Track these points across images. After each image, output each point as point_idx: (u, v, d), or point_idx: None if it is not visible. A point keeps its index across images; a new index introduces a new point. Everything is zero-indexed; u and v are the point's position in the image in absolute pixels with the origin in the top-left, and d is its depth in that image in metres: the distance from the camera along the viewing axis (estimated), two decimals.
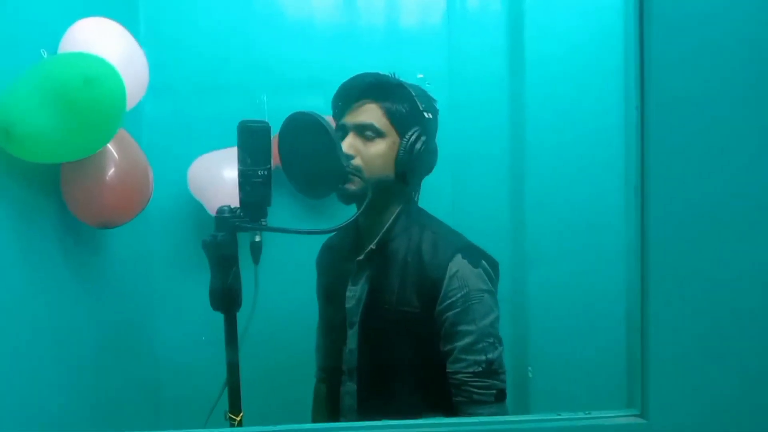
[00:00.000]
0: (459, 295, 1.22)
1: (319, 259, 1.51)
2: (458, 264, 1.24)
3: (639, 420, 0.70)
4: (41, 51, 1.29)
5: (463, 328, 1.22)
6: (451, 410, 1.31)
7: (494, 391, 1.20)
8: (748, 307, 0.68)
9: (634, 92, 1.83)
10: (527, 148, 1.92)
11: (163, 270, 1.90)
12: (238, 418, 1.11)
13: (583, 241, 1.91)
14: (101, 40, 1.33)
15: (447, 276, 1.23)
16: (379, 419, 1.23)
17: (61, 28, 1.34)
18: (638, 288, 0.69)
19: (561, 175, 1.91)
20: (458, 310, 1.22)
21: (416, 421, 0.73)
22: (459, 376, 1.20)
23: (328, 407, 1.40)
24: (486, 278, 1.26)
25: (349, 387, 1.33)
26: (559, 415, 0.71)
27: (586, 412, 0.71)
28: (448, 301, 1.23)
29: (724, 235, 0.67)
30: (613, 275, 1.91)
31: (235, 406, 1.11)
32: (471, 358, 1.20)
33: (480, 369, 1.19)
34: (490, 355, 1.20)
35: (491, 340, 1.22)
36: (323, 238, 1.51)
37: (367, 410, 1.30)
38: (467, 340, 1.21)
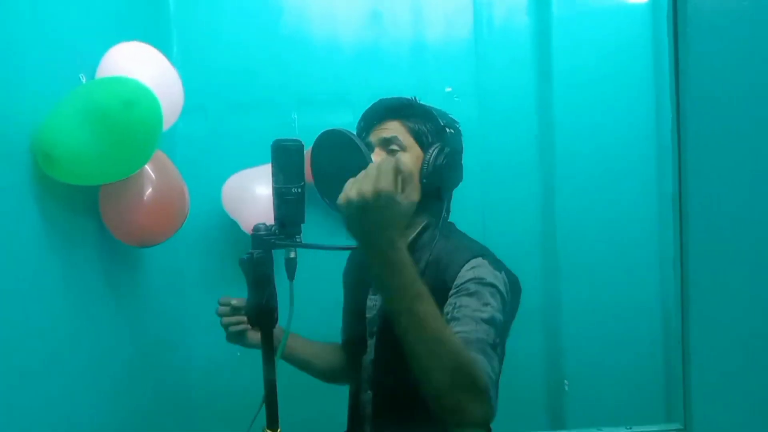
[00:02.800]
0: (472, 280, 1.17)
1: (345, 273, 1.53)
2: (478, 262, 1.21)
3: None
4: (80, 76, 1.33)
5: (468, 301, 1.14)
6: None
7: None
8: None
9: (669, 100, 1.81)
10: (557, 160, 1.91)
11: (197, 287, 1.93)
12: None
13: (615, 252, 1.89)
14: (137, 64, 1.37)
15: (463, 270, 1.20)
16: (395, 429, 1.24)
17: (99, 53, 1.38)
18: (678, 300, 0.68)
19: (591, 186, 1.90)
20: (468, 291, 1.17)
21: None
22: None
23: (351, 415, 1.41)
24: (504, 283, 1.21)
25: (368, 396, 1.34)
26: (601, 429, 0.71)
27: (628, 427, 0.71)
28: (461, 286, 1.18)
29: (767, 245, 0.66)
30: (646, 285, 1.89)
31: (272, 422, 1.12)
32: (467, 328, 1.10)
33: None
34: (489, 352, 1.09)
35: (495, 340, 1.11)
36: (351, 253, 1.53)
37: (383, 419, 1.30)
38: (471, 311, 1.13)
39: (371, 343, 1.34)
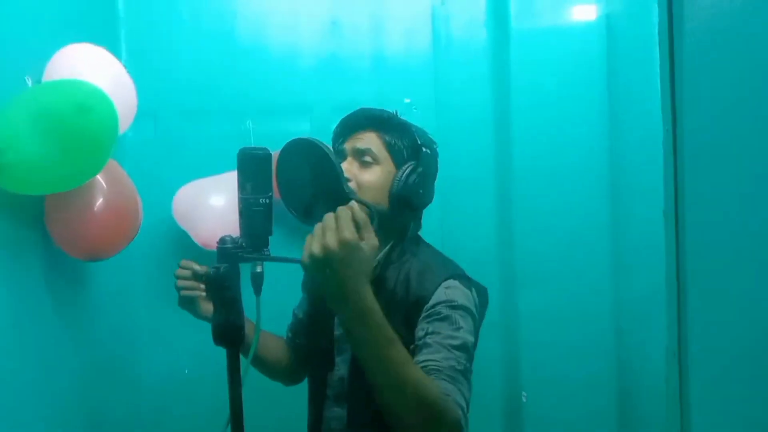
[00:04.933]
0: (444, 303, 1.17)
1: (306, 284, 1.49)
2: (449, 284, 1.21)
3: None
4: (26, 78, 1.25)
5: (441, 327, 1.15)
6: None
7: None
8: None
9: (621, 115, 1.85)
10: (514, 172, 1.93)
11: (147, 301, 1.84)
12: None
13: (570, 263, 1.91)
14: (89, 67, 1.30)
15: (436, 293, 1.20)
16: None
17: (45, 54, 1.30)
18: (675, 312, 0.67)
19: (547, 198, 1.92)
20: (440, 316, 1.16)
21: None
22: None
23: (313, 425, 1.36)
24: (474, 303, 1.23)
25: (337, 413, 1.30)
26: None
27: None
28: (432, 310, 1.18)
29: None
30: (601, 295, 1.92)
31: None
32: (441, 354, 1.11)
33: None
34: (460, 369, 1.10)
35: (466, 366, 1.13)
36: None
37: None
38: (443, 338, 1.13)
39: (340, 360, 1.30)
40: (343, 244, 0.94)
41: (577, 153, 1.91)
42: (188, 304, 1.31)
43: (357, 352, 1.01)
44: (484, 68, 1.94)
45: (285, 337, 1.51)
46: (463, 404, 1.06)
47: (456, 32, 1.94)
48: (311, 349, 1.42)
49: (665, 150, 0.69)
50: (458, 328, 1.15)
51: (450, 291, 1.20)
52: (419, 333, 1.16)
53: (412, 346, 1.15)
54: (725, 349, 0.68)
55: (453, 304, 1.18)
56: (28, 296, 1.26)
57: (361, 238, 0.96)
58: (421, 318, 1.18)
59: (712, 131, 0.66)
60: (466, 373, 1.11)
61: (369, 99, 1.87)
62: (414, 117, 1.89)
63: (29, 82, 1.25)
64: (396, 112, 1.34)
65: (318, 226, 0.98)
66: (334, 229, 0.96)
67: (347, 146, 1.30)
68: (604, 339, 1.91)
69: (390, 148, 1.28)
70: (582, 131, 1.90)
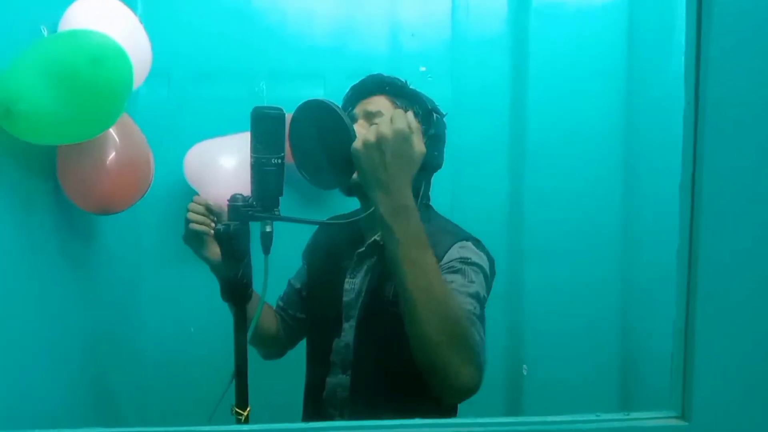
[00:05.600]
0: (458, 259, 1.19)
1: (309, 252, 1.48)
2: (462, 245, 1.23)
3: (680, 422, 0.68)
4: (41, 27, 1.24)
5: (455, 278, 1.16)
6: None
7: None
8: None
9: (639, 88, 1.83)
10: (527, 144, 1.91)
11: (155, 259, 1.86)
12: (245, 413, 1.08)
13: (579, 239, 1.91)
14: (103, 18, 1.28)
15: (449, 252, 1.21)
16: (374, 413, 1.21)
17: (62, 4, 1.29)
18: (684, 286, 0.67)
19: (560, 172, 1.91)
20: (454, 269, 1.17)
21: (430, 421, 0.71)
22: None
23: (314, 399, 1.36)
24: (487, 264, 1.24)
25: (342, 379, 1.30)
26: (598, 416, 0.70)
27: (625, 413, 0.70)
28: (445, 265, 1.19)
29: None
30: (609, 272, 1.92)
31: (242, 400, 1.08)
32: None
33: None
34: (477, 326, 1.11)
35: (482, 313, 1.14)
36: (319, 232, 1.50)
37: (362, 402, 1.27)
38: (458, 285, 1.14)
39: (347, 326, 1.30)
40: (397, 133, 1.00)
41: (593, 129, 1.89)
42: (194, 239, 1.30)
43: (393, 253, 1.01)
44: (503, 37, 1.92)
45: (275, 307, 1.50)
46: (482, 344, 1.07)
47: (475, 0, 1.91)
48: (315, 317, 1.42)
49: (685, 122, 0.68)
50: (471, 281, 1.16)
51: (463, 250, 1.22)
52: None
53: None
54: (733, 329, 0.67)
55: (466, 260, 1.20)
56: (39, 246, 1.27)
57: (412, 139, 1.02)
58: None
59: (737, 105, 0.65)
60: (482, 318, 1.13)
61: (385, 65, 1.86)
62: (429, 85, 1.87)
63: (45, 32, 1.24)
64: (406, 82, 1.34)
65: (374, 125, 1.05)
66: (389, 122, 1.02)
67: (358, 110, 1.31)
68: (610, 315, 1.91)
69: None
70: (599, 108, 1.89)
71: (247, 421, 1.08)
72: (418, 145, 1.04)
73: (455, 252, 1.21)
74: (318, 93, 1.85)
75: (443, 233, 1.26)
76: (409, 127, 1.02)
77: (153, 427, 0.70)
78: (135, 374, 1.82)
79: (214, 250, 1.23)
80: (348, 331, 1.30)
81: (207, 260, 1.30)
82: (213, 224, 1.29)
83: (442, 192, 1.83)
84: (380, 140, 1.00)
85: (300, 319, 1.48)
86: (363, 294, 1.29)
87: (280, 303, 1.50)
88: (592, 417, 0.70)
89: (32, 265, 1.23)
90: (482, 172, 1.92)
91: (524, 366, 1.91)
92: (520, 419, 0.71)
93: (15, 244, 1.16)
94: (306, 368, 1.42)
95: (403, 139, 1.01)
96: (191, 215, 1.29)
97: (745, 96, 0.65)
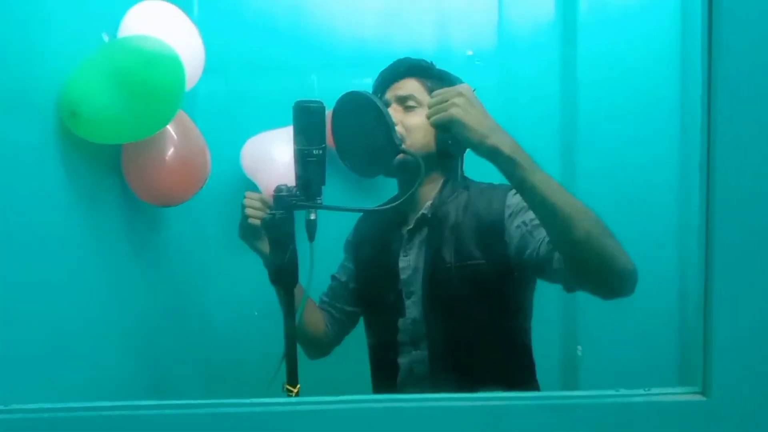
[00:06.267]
0: (520, 201, 1.22)
1: (353, 244, 1.51)
2: (515, 191, 1.23)
3: (700, 397, 0.69)
4: (103, 34, 1.34)
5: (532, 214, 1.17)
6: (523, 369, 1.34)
7: None
8: None
9: (694, 83, 1.77)
10: (578, 131, 1.88)
11: (217, 247, 1.95)
12: (296, 390, 1.14)
13: (634, 216, 1.87)
14: (159, 22, 1.37)
15: (506, 203, 1.25)
16: (456, 379, 1.26)
17: (120, 11, 1.38)
18: (702, 261, 0.68)
19: (612, 158, 1.87)
20: (526, 208, 1.20)
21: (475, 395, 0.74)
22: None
23: (384, 384, 1.40)
24: None
25: (416, 355, 1.33)
26: (618, 391, 0.72)
27: (646, 389, 0.72)
28: (514, 209, 1.23)
29: None
30: (664, 251, 1.87)
31: (292, 378, 1.15)
32: None
33: None
34: None
35: None
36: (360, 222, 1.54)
37: (443, 372, 1.30)
38: None
39: (410, 302, 1.32)
40: (467, 88, 1.12)
41: (646, 115, 1.84)
42: (249, 233, 1.36)
43: (525, 177, 1.04)
44: (551, 21, 1.89)
45: (319, 303, 1.53)
46: None
47: None
48: (374, 301, 1.44)
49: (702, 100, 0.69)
50: None
51: (518, 196, 1.23)
52: (517, 230, 1.21)
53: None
54: (752, 305, 0.68)
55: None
56: (108, 240, 1.37)
57: None
58: (508, 220, 1.23)
59: (750, 87, 0.66)
60: None
61: (432, 51, 1.88)
62: (476, 70, 1.89)
63: (106, 39, 1.34)
64: (432, 64, 1.38)
65: (437, 92, 1.13)
66: (452, 89, 1.12)
67: (389, 95, 1.35)
68: (666, 296, 1.87)
69: (431, 91, 1.29)
70: (652, 94, 1.83)
71: (297, 396, 1.14)
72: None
73: (513, 199, 1.24)
74: (367, 82, 1.88)
75: (489, 192, 1.31)
76: None
77: (207, 400, 0.76)
78: (199, 355, 1.93)
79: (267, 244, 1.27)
80: (412, 308, 1.32)
81: (261, 253, 1.37)
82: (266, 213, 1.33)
83: (490, 179, 1.85)
84: (467, 96, 1.09)
85: (349, 312, 1.50)
86: (421, 268, 1.32)
87: (325, 299, 1.52)
88: (612, 392, 0.72)
89: (103, 255, 1.33)
90: (532, 157, 1.91)
91: (579, 347, 1.91)
92: (544, 394, 0.74)
93: (86, 236, 1.27)
94: (370, 361, 1.45)
95: (473, 92, 1.11)
96: (248, 210, 1.35)
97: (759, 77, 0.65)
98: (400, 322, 1.34)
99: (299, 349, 1.17)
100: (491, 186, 1.33)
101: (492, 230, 1.25)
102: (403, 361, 1.34)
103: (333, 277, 1.53)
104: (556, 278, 1.16)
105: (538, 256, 1.15)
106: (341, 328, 1.52)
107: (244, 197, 1.37)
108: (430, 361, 1.31)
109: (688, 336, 1.88)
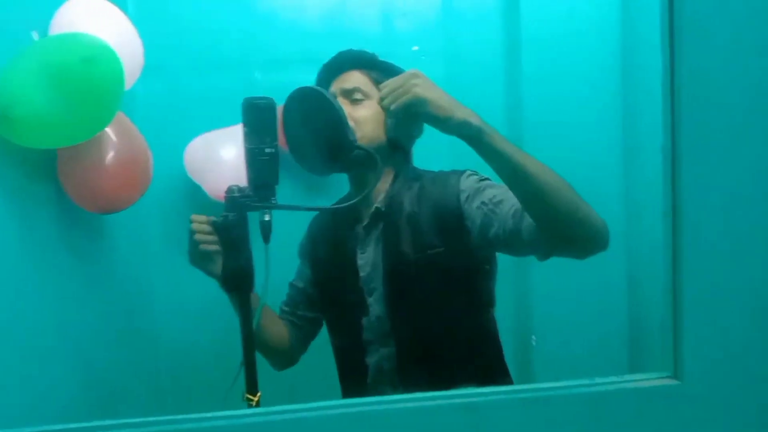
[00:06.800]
0: (475, 179, 1.24)
1: (308, 248, 1.46)
2: (467, 173, 1.27)
3: (673, 381, 0.70)
4: (32, 32, 1.26)
5: (499, 192, 1.19)
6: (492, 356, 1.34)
7: None
8: None
9: (635, 69, 1.81)
10: (524, 123, 1.90)
11: (161, 255, 1.88)
12: (256, 399, 1.11)
13: None
14: (93, 20, 1.30)
15: (462, 182, 1.25)
16: (427, 373, 1.24)
17: (51, 8, 1.30)
18: (670, 246, 0.68)
19: (557, 148, 1.85)
20: (482, 187, 1.22)
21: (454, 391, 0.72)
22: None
23: (355, 378, 1.36)
24: None
25: (384, 352, 1.30)
26: (593, 380, 0.71)
27: (619, 377, 0.71)
28: (470, 192, 1.23)
29: (762, 194, 0.67)
30: (613, 242, 1.91)
31: (252, 386, 1.11)
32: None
33: None
34: None
35: None
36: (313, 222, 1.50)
37: (412, 366, 1.28)
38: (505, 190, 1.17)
39: (372, 300, 1.30)
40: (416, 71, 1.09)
41: (590, 104, 1.87)
42: (204, 259, 1.22)
43: (497, 147, 1.06)
44: (496, 16, 1.90)
45: (280, 314, 1.48)
46: None
47: None
48: (335, 302, 1.40)
49: (663, 89, 0.69)
50: (500, 185, 1.18)
51: (472, 176, 1.26)
52: (478, 210, 1.21)
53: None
54: (720, 288, 0.69)
55: (481, 178, 1.25)
56: (45, 248, 1.30)
57: None
58: (466, 204, 1.23)
59: (712, 78, 0.66)
60: None
61: (378, 46, 1.84)
62: (422, 65, 1.87)
63: (35, 37, 1.26)
64: (375, 55, 1.36)
65: (390, 81, 1.12)
66: (402, 76, 1.10)
67: (334, 88, 1.31)
68: (616, 284, 1.92)
69: (377, 83, 1.29)
70: (595, 81, 1.87)
71: (258, 405, 1.11)
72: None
73: (467, 180, 1.25)
74: (313, 78, 1.85)
75: (442, 179, 1.30)
76: None
77: (166, 416, 0.72)
78: (146, 366, 1.86)
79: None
80: (375, 305, 1.30)
81: (216, 276, 1.22)
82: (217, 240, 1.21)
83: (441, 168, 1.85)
84: (423, 76, 1.09)
85: (311, 318, 1.46)
86: (381, 263, 1.29)
87: (285, 308, 1.47)
88: (587, 381, 0.71)
89: (40, 266, 1.26)
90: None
91: (533, 337, 1.93)
92: (517, 387, 0.73)
93: (20, 247, 1.19)
94: (337, 364, 1.42)
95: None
96: (199, 236, 1.21)
97: (721, 67, 0.66)
98: (364, 320, 1.31)
99: (262, 359, 1.13)
100: (443, 173, 1.32)
101: (449, 216, 1.24)
102: (371, 360, 1.32)
103: (290, 285, 1.48)
104: (528, 250, 1.17)
105: (505, 232, 1.16)
106: (305, 335, 1.47)
107: (191, 221, 1.23)
108: (398, 357, 1.29)
109: (636, 323, 1.93)
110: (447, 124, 1.06)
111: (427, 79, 1.08)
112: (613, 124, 1.89)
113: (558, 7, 1.85)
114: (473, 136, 1.06)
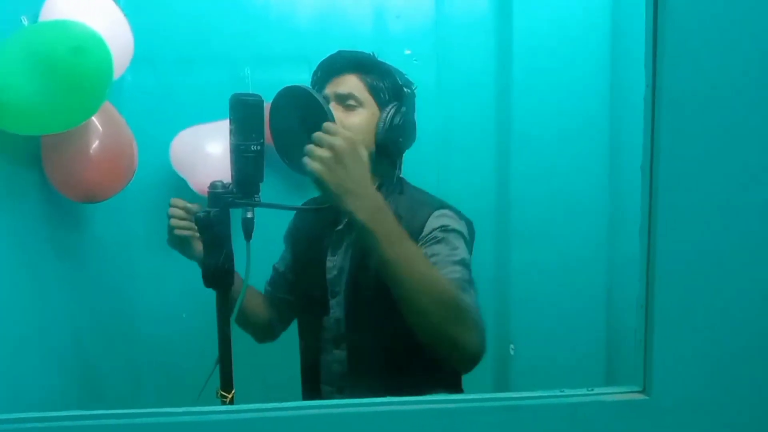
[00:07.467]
0: (439, 228, 1.21)
1: (291, 235, 1.50)
2: (440, 213, 1.25)
3: (641, 396, 0.71)
4: (21, 18, 1.25)
5: (439, 248, 1.18)
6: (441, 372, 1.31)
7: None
8: (758, 283, 0.69)
9: (624, 70, 1.83)
10: (513, 125, 1.91)
11: (143, 246, 1.87)
12: (230, 396, 1.10)
13: (566, 220, 1.92)
14: (84, 8, 1.29)
15: (428, 222, 1.23)
16: (373, 382, 1.24)
17: None
18: (644, 262, 0.69)
19: (546, 154, 1.91)
20: (437, 239, 1.19)
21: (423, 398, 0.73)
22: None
23: (311, 376, 1.39)
24: (466, 228, 1.26)
25: (337, 355, 1.32)
26: (562, 391, 0.72)
27: (589, 389, 0.72)
28: (427, 236, 1.21)
29: (735, 213, 0.68)
30: (594, 253, 1.93)
31: (227, 383, 1.10)
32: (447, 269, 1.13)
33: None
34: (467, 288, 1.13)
35: (471, 278, 1.15)
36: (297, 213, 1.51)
37: (359, 375, 1.30)
38: (443, 256, 1.16)
39: (335, 302, 1.32)
40: (347, 140, 1.01)
41: (578, 111, 1.89)
42: (180, 243, 1.31)
43: (378, 253, 1.02)
44: (487, 19, 1.91)
45: (264, 293, 1.52)
46: (478, 310, 1.09)
47: None
48: (302, 297, 1.44)
49: (645, 104, 0.70)
50: (455, 248, 1.18)
51: (441, 218, 1.23)
52: None
53: None
54: (692, 306, 0.70)
55: (446, 228, 1.21)
56: (26, 237, 1.29)
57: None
58: (419, 242, 1.20)
59: (693, 88, 0.67)
60: (471, 283, 1.15)
61: (370, 48, 1.85)
62: (414, 68, 1.88)
63: (25, 22, 1.25)
64: (373, 54, 1.35)
65: (315, 136, 1.03)
66: (332, 134, 1.02)
67: (329, 91, 1.31)
68: (595, 294, 1.93)
69: (372, 90, 1.29)
70: (584, 88, 1.88)
71: (232, 403, 1.10)
72: (367, 143, 1.07)
73: (434, 221, 1.22)
74: (303, 77, 1.84)
75: (419, 205, 1.28)
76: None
77: (141, 409, 0.72)
78: (127, 359, 1.85)
79: (200, 248, 1.23)
80: (336, 307, 1.32)
81: (196, 260, 1.32)
82: (194, 226, 1.25)
83: (428, 174, 1.86)
84: (336, 152, 1.00)
85: (289, 301, 1.49)
86: (347, 269, 1.30)
87: (268, 288, 1.52)
88: (557, 392, 0.72)
89: (19, 254, 1.25)
90: (468, 154, 1.93)
91: (511, 345, 1.94)
92: (487, 396, 0.73)
93: (1, 234, 1.18)
94: (300, 351, 1.44)
95: (355, 143, 1.01)
96: (173, 221, 1.29)
97: (702, 77, 0.67)
98: (325, 320, 1.33)
99: (238, 357, 1.13)
100: (421, 200, 1.31)
101: (414, 238, 1.21)
102: (324, 360, 1.34)
103: (274, 267, 1.52)
104: None
105: None
106: (284, 316, 1.51)
107: (170, 205, 1.30)
108: (348, 361, 1.31)
109: (615, 334, 1.94)
110: (338, 207, 1.04)
111: (339, 156, 1.00)
112: (601, 133, 1.91)
113: (549, 14, 1.86)
114: (357, 231, 1.05)
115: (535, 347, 1.93)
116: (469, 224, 1.31)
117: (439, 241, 1.19)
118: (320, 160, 1.00)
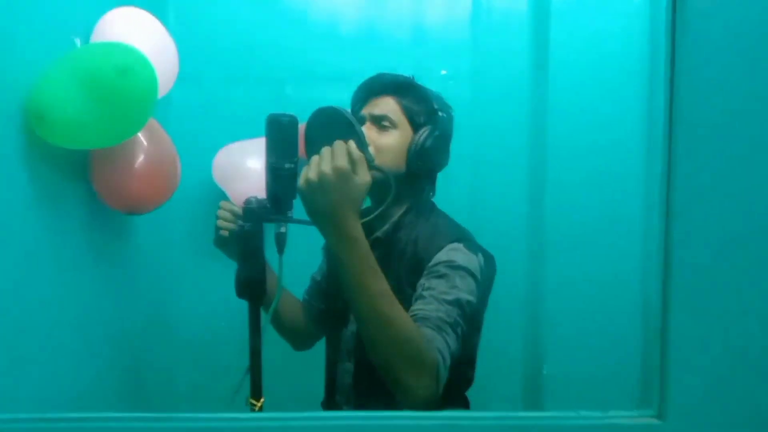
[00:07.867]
0: (444, 263, 1.21)
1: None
2: (453, 246, 1.24)
3: (656, 421, 0.71)
4: (75, 39, 1.32)
5: (437, 283, 1.18)
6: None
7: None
8: None
9: (662, 94, 1.82)
10: (548, 146, 1.92)
11: (185, 257, 1.94)
12: (259, 404, 1.14)
13: (600, 240, 1.91)
14: (133, 29, 1.36)
15: (439, 254, 1.23)
16: (373, 398, 1.26)
17: (94, 17, 1.36)
18: (659, 288, 0.70)
19: (580, 173, 1.91)
20: (438, 273, 1.20)
21: (432, 413, 0.75)
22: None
23: (329, 386, 1.44)
24: (478, 267, 1.24)
25: (348, 367, 1.36)
26: (578, 413, 0.73)
27: (603, 412, 0.73)
28: (432, 266, 1.22)
29: (753, 237, 0.68)
30: (629, 274, 1.91)
31: (256, 391, 1.14)
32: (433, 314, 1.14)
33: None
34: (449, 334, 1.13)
35: (457, 320, 1.15)
36: None
37: (363, 389, 1.33)
38: (437, 292, 1.17)
39: (353, 316, 1.33)
40: (337, 170, 1.02)
41: (615, 129, 1.89)
42: (224, 244, 1.34)
43: (341, 279, 1.06)
44: (523, 41, 1.93)
45: (302, 301, 1.56)
46: (446, 354, 1.09)
47: (496, 3, 1.93)
48: (328, 308, 1.48)
49: (663, 136, 0.70)
50: (453, 286, 1.18)
51: (452, 252, 1.23)
52: (417, 289, 1.20)
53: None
54: (708, 331, 0.70)
55: (453, 264, 1.21)
56: (72, 244, 1.35)
57: (355, 172, 1.03)
58: (425, 271, 1.22)
59: (710, 99, 0.68)
60: (455, 326, 1.14)
61: (407, 68, 1.87)
62: (450, 89, 1.91)
63: (78, 43, 1.32)
64: (412, 78, 1.38)
65: (315, 156, 1.06)
66: (329, 158, 1.04)
67: (365, 112, 1.35)
68: (630, 312, 1.90)
69: (407, 112, 1.33)
70: (620, 107, 1.88)
71: (261, 410, 1.14)
72: (363, 175, 1.04)
73: (444, 255, 1.22)
74: (342, 96, 1.87)
75: (437, 234, 1.29)
76: (352, 159, 1.04)
77: (175, 414, 0.75)
78: (165, 366, 1.91)
79: None
80: (353, 321, 1.34)
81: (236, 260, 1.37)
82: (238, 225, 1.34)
83: (462, 191, 1.87)
84: (321, 179, 1.02)
85: (321, 310, 1.53)
86: None
87: (306, 296, 1.56)
88: (572, 414, 0.73)
89: (66, 262, 1.31)
90: (502, 172, 1.94)
91: (544, 366, 1.93)
92: (500, 414, 0.74)
93: (49, 242, 1.24)
94: (324, 361, 1.48)
95: (344, 176, 1.02)
96: (220, 222, 1.34)
97: (719, 88, 0.67)
98: (343, 331, 1.37)
99: (267, 366, 1.17)
100: (441, 229, 1.31)
101: (417, 274, 1.24)
102: (338, 371, 1.38)
103: (311, 277, 1.57)
104: None
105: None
106: (319, 325, 1.54)
107: (219, 207, 1.36)
108: (355, 374, 1.34)
109: (649, 358, 1.91)
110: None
111: (323, 186, 1.02)
112: (638, 149, 1.90)
113: (586, 32, 1.86)
114: (330, 250, 1.09)
115: (568, 365, 1.92)
116: (488, 259, 1.30)
117: (440, 276, 1.19)
118: (306, 181, 1.04)
